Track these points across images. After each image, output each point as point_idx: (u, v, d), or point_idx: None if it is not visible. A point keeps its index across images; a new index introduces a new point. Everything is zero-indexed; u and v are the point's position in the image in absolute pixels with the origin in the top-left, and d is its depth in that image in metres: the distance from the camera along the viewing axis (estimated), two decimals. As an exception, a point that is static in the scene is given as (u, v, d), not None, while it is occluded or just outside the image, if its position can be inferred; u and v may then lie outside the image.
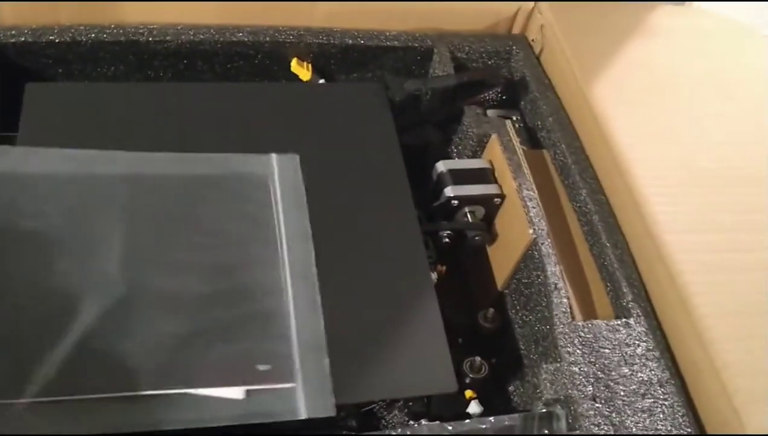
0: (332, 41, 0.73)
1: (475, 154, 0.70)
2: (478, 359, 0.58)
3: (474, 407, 0.57)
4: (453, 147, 0.74)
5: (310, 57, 0.74)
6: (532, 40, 0.79)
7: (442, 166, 0.66)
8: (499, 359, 0.62)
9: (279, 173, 0.58)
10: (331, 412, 0.47)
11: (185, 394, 0.46)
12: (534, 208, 0.61)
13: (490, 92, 0.74)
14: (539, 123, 0.73)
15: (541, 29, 0.77)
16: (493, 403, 0.59)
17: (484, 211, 0.66)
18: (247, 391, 0.47)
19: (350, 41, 0.74)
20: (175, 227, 0.54)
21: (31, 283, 0.49)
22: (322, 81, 0.74)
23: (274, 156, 0.59)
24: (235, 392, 0.46)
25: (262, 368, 0.48)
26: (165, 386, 0.46)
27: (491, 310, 0.64)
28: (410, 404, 0.57)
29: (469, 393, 0.58)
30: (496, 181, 0.66)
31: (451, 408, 0.56)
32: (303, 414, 0.46)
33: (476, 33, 0.78)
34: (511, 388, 0.61)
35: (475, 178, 0.66)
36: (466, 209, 0.65)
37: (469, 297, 0.69)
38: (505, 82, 0.75)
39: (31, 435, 0.44)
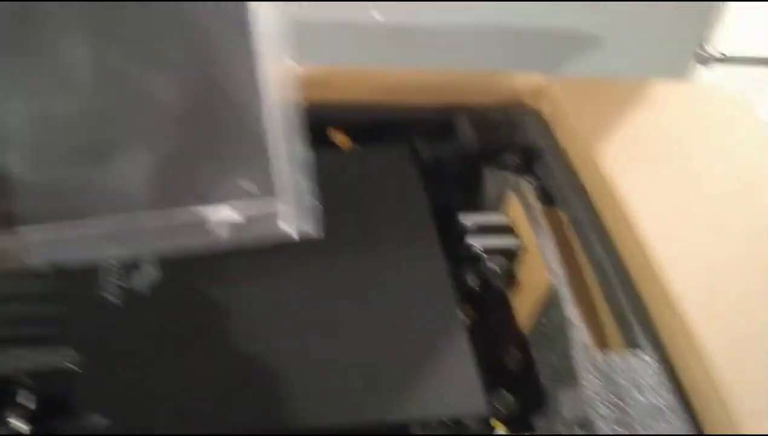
0: (365, 112, 0.82)
1: (495, 210, 0.77)
2: (503, 392, 0.64)
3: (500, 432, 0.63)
4: (472, 204, 0.81)
5: (344, 125, 0.82)
6: (543, 112, 0.88)
7: (465, 219, 0.73)
8: (524, 393, 0.68)
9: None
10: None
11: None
12: (551, 257, 0.68)
13: (507, 157, 0.82)
14: (552, 184, 0.80)
15: (551, 102, 0.86)
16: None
17: (505, 261, 0.72)
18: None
19: (380, 112, 0.82)
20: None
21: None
22: (354, 146, 0.82)
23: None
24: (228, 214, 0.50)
25: (245, 185, 0.50)
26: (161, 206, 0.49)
27: (515, 350, 0.70)
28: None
29: (496, 423, 0.63)
30: (515, 234, 0.73)
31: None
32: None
33: (493, 104, 0.87)
34: (534, 417, 0.67)
35: (496, 230, 0.73)
36: (489, 259, 0.72)
37: (494, 339, 0.75)
38: (519, 147, 0.83)
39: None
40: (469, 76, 0.86)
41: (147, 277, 0.60)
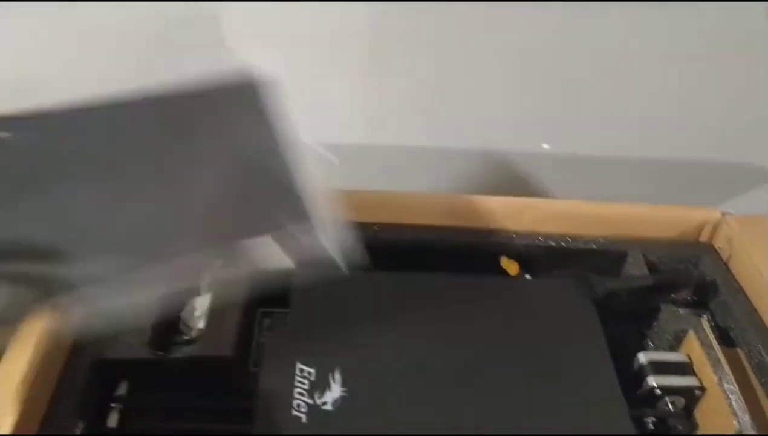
0: (537, 242, 0.84)
1: (672, 348, 0.76)
2: None
3: None
4: (648, 341, 0.80)
5: (518, 255, 0.85)
6: (719, 248, 0.87)
7: (643, 357, 0.73)
8: None
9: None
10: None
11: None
12: (736, 401, 0.66)
13: (682, 293, 0.81)
14: (731, 323, 0.78)
15: (728, 240, 0.85)
16: None
17: (684, 402, 0.71)
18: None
19: (552, 243, 0.84)
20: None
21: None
22: (527, 276, 0.84)
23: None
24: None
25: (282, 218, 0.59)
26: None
27: (696, 499, 0.67)
28: None
29: None
30: (695, 374, 0.71)
31: None
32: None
33: (665, 239, 0.87)
34: None
35: (675, 369, 0.72)
36: (668, 399, 0.71)
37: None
38: (695, 284, 0.82)
39: None
40: (643, 208, 0.87)
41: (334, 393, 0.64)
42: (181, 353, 0.69)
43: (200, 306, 0.77)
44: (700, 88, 0.84)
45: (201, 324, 0.74)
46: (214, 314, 0.72)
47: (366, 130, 0.92)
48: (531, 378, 0.67)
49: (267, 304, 0.80)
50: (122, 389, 0.68)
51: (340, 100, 0.87)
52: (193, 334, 0.74)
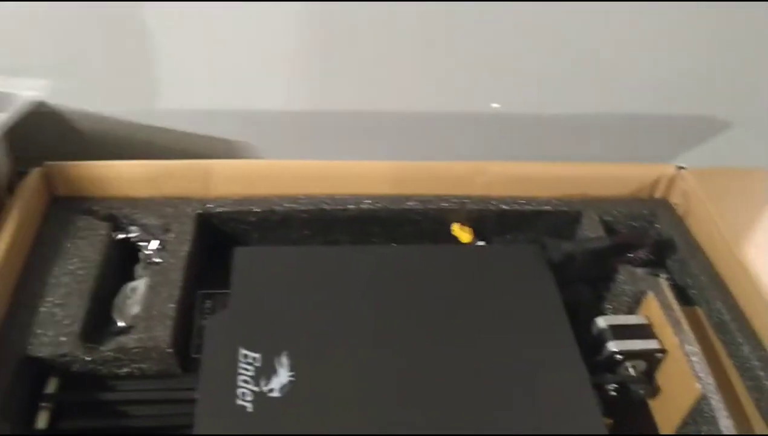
0: (489, 207, 0.81)
1: (631, 311, 0.74)
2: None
3: None
4: (607, 304, 0.78)
5: (470, 221, 0.81)
6: (675, 204, 0.84)
7: (602, 321, 0.70)
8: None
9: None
10: None
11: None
12: (698, 363, 0.64)
13: (639, 252, 0.78)
14: (690, 281, 0.76)
15: (684, 194, 0.83)
16: None
17: (646, 366, 0.69)
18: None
19: (505, 207, 0.81)
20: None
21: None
22: (481, 243, 0.81)
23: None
24: None
25: None
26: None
27: (659, 463, 0.65)
28: None
29: None
30: (655, 337, 0.69)
31: None
32: None
33: (620, 197, 0.85)
34: None
35: (635, 333, 0.69)
36: (628, 364, 0.68)
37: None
38: (652, 242, 0.79)
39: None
40: (597, 167, 0.84)
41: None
42: (115, 343, 0.64)
43: (134, 291, 0.72)
44: (649, 39, 0.81)
45: (136, 310, 0.69)
46: (150, 299, 0.67)
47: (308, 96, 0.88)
48: (488, 350, 0.64)
49: (207, 285, 0.76)
50: (51, 387, 0.63)
51: (281, 66, 0.82)
52: (128, 322, 0.69)
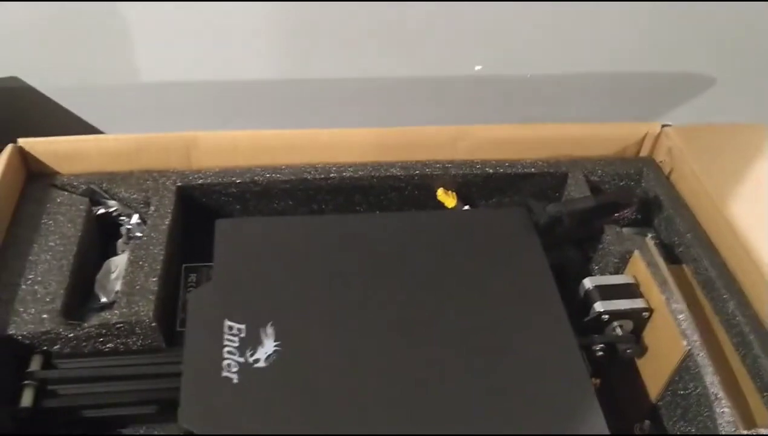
0: (474, 171, 0.80)
1: (618, 271, 0.74)
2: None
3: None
4: (593, 264, 0.78)
5: (455, 186, 0.81)
6: (660, 162, 0.84)
7: (588, 282, 0.70)
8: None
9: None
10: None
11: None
12: (684, 320, 0.64)
13: (625, 212, 0.78)
14: (676, 239, 0.76)
15: (669, 151, 0.82)
16: None
17: (633, 325, 0.68)
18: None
19: (490, 170, 0.80)
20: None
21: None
22: (466, 207, 0.80)
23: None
24: None
25: None
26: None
27: (647, 422, 0.65)
28: None
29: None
30: (642, 296, 0.69)
31: None
32: None
33: (606, 157, 0.84)
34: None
35: (622, 293, 0.69)
36: (616, 324, 0.68)
37: (623, 410, 0.71)
38: (638, 201, 0.79)
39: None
40: (581, 127, 0.83)
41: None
42: (98, 319, 0.63)
43: (117, 266, 0.71)
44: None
45: (118, 286, 0.68)
46: (132, 273, 0.67)
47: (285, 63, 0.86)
48: (475, 315, 0.64)
49: (192, 258, 0.75)
50: (35, 365, 0.63)
51: (260, 34, 0.81)
52: (111, 297, 0.68)
